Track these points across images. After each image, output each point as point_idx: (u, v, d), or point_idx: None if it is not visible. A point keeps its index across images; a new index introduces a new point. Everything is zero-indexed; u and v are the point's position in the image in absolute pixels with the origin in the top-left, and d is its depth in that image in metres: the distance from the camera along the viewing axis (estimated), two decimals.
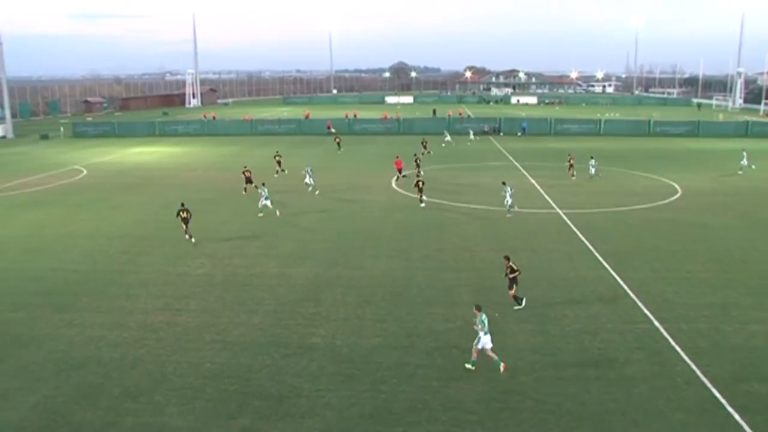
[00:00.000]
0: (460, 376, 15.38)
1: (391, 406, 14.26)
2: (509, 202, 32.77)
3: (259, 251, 25.81)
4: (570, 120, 73.25)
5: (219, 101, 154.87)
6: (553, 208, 32.63)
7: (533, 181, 38.34)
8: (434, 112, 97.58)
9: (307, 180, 37.14)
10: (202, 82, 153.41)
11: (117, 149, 59.99)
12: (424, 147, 54.49)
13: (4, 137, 77.78)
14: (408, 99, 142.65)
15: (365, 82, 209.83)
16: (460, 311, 18.83)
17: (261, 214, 31.89)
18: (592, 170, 42.57)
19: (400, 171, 41.72)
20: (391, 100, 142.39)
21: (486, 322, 16.69)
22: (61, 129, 78.83)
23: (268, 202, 31.80)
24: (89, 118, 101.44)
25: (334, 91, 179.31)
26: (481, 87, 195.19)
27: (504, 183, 34.26)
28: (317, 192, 36.30)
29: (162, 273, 23.22)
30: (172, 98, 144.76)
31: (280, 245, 26.04)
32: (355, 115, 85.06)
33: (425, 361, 16.01)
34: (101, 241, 26.83)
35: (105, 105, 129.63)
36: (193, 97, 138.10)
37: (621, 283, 21.07)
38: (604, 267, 22.63)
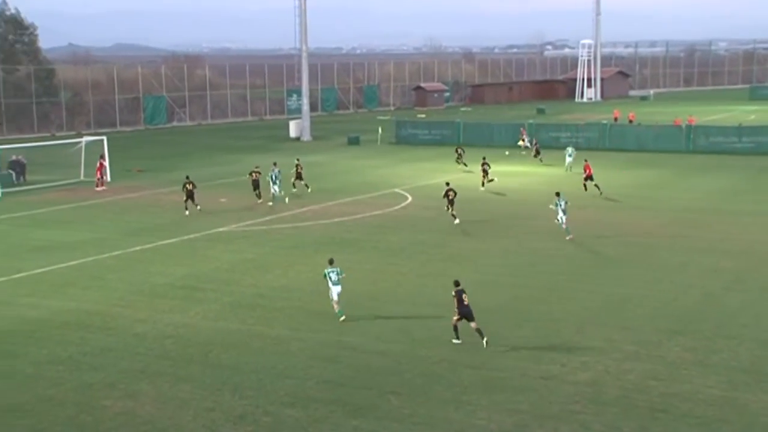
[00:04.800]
0: None
1: None
2: (562, 220, 33.91)
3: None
4: None
5: (632, 93, 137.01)
6: None
7: None
8: None
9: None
10: (605, 60, 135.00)
11: (461, 165, 55.97)
12: (460, 156, 55.95)
13: (298, 139, 77.36)
14: None
15: None
16: None
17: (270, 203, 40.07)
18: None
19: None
20: None
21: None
22: (379, 131, 73.53)
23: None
24: (421, 115, 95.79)
25: None
26: None
27: (558, 195, 34.81)
28: None
29: (518, 372, 20.13)
30: (553, 87, 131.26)
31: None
32: None
33: None
34: (425, 311, 24.71)
35: (447, 95, 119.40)
36: (589, 85, 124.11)
37: None
38: None
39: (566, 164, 55.06)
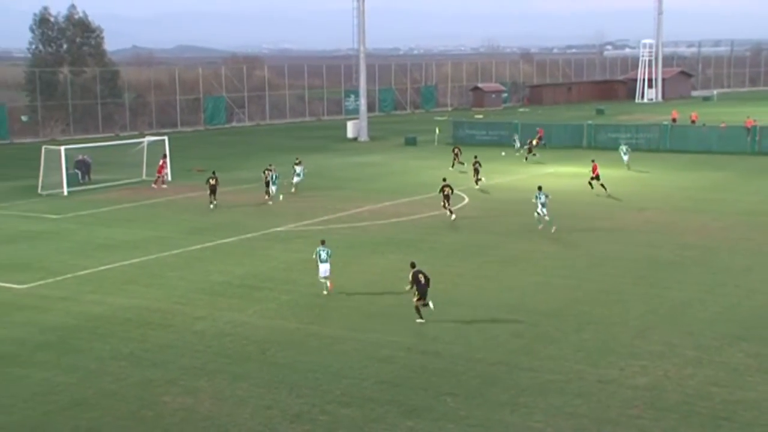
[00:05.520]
0: None
1: None
2: (542, 213, 35.46)
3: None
4: None
5: (694, 93, 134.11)
6: None
7: None
8: None
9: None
10: (667, 60, 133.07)
11: (517, 166, 57.03)
12: (456, 156, 55.98)
13: (355, 139, 77.82)
14: None
15: None
16: None
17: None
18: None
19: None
20: None
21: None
22: (436, 131, 72.92)
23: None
24: (478, 116, 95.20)
25: None
26: None
27: (539, 188, 36.40)
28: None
29: (575, 375, 20.00)
30: (613, 87, 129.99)
31: None
32: None
33: None
34: (482, 313, 24.70)
35: (505, 95, 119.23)
36: (650, 85, 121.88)
37: None
38: None
39: (625, 163, 54.49)
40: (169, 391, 19.18)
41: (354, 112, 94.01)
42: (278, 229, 36.97)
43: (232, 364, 20.85)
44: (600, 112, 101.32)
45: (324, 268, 26.46)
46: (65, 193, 46.94)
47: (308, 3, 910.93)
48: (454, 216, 38.22)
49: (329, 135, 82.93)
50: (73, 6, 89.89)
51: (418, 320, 23.67)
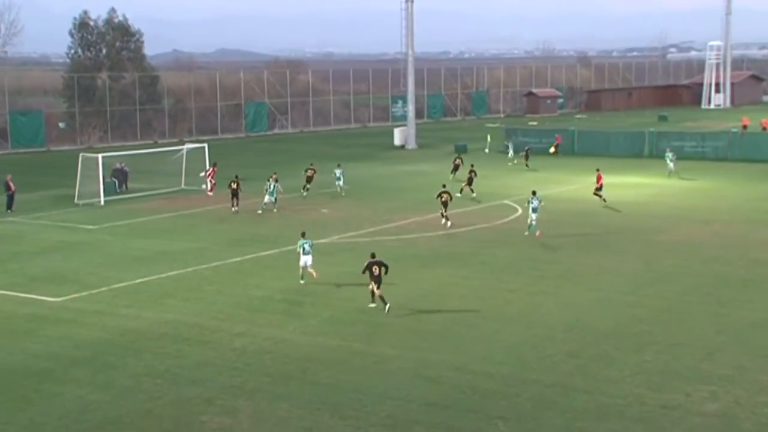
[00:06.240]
0: None
1: None
2: (532, 219, 36.77)
3: None
4: None
5: (765, 98, 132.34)
6: None
7: None
8: None
9: None
10: (736, 63, 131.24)
11: (575, 176, 56.08)
12: (456, 168, 55.52)
13: (402, 147, 78.40)
14: None
15: None
16: None
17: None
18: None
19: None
20: None
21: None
22: (488, 139, 73.31)
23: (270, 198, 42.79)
24: (532, 123, 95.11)
25: None
26: None
27: (534, 193, 37.61)
28: None
29: (636, 400, 19.46)
30: (677, 92, 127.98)
31: None
32: None
33: None
34: (536, 331, 24.40)
35: (560, 101, 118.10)
36: (717, 90, 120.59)
37: None
38: None
39: (670, 170, 54.58)
40: (207, 411, 19.24)
41: (401, 119, 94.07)
42: (322, 241, 36.99)
43: (272, 383, 20.86)
44: (663, 118, 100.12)
45: (305, 259, 29.42)
46: (102, 202, 47.62)
47: (353, 5, 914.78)
48: (450, 223, 39.34)
49: (375, 143, 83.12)
50: (113, 10, 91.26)
51: (370, 305, 26.53)
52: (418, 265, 32.71)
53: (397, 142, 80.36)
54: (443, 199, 39.64)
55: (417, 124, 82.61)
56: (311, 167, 50.36)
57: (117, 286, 30.14)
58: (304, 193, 49.36)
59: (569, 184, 53.17)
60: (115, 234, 39.95)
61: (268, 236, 38.53)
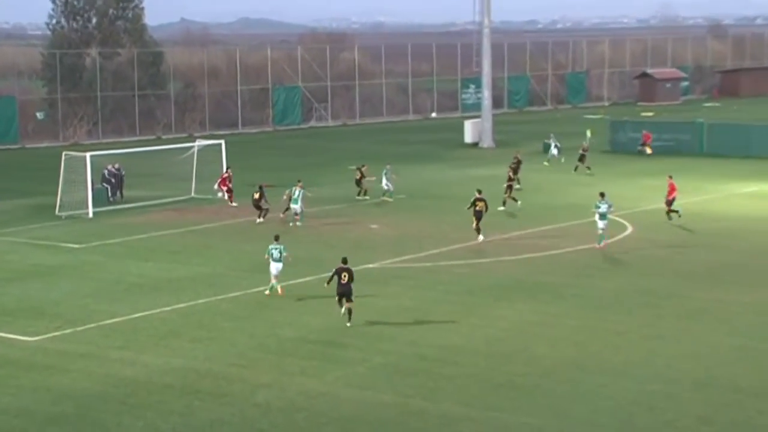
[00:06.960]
0: None
1: None
2: (600, 227, 39.85)
3: None
4: None
5: None
6: None
7: None
8: None
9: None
10: None
11: (707, 182, 56.59)
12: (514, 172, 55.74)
13: (476, 145, 79.70)
14: None
15: None
16: None
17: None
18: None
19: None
20: None
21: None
22: (587, 134, 72.06)
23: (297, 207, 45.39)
24: (647, 113, 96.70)
25: None
26: None
27: (602, 195, 40.48)
28: None
29: None
30: None
31: None
32: None
33: None
34: (653, 388, 24.68)
35: (685, 85, 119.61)
36: None
37: None
38: None
39: None
40: None
41: (474, 109, 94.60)
42: (371, 265, 37.18)
43: None
44: None
45: (276, 267, 32.79)
46: (90, 214, 48.47)
47: None
48: (481, 237, 41.28)
49: (440, 139, 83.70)
50: None
51: (347, 324, 29.33)
52: (494, 298, 33.07)
53: (468, 138, 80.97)
54: (477, 208, 41.08)
55: (494, 116, 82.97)
56: (361, 168, 51.23)
57: (108, 322, 30.61)
58: (366, 197, 52.23)
59: (696, 194, 53.05)
60: (107, 255, 40.59)
61: (301, 259, 38.67)
